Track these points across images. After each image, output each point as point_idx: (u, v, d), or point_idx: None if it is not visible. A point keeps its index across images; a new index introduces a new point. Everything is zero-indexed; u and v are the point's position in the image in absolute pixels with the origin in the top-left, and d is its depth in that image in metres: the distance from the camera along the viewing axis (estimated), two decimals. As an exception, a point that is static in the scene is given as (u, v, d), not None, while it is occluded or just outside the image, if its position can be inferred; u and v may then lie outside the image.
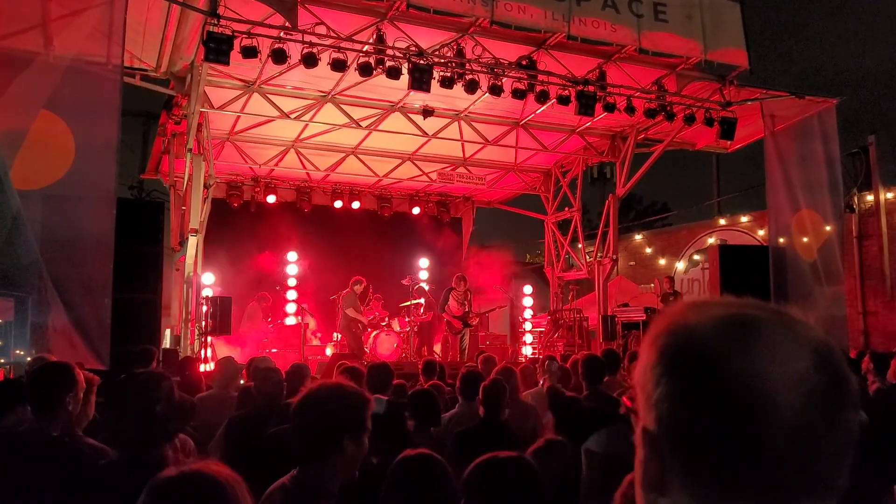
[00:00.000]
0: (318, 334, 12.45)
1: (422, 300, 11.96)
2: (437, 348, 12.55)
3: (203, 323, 9.31)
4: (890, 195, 12.26)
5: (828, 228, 10.42)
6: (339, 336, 11.84)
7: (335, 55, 8.25)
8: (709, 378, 0.68)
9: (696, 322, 0.72)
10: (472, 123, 11.62)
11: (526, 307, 13.69)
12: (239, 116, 10.94)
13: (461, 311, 11.34)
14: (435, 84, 8.51)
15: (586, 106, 9.14)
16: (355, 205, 14.04)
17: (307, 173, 13.23)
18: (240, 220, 12.93)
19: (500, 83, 8.97)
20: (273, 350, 11.25)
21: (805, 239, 10.54)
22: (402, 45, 8.40)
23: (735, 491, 0.67)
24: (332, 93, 10.29)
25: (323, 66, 8.24)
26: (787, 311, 0.73)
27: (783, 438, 0.65)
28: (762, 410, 0.66)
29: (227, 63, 7.60)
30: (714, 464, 0.67)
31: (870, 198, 12.36)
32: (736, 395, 0.66)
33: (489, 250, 14.58)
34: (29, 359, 5.50)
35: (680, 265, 16.04)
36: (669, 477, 0.70)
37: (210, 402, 4.81)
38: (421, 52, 8.42)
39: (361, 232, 13.61)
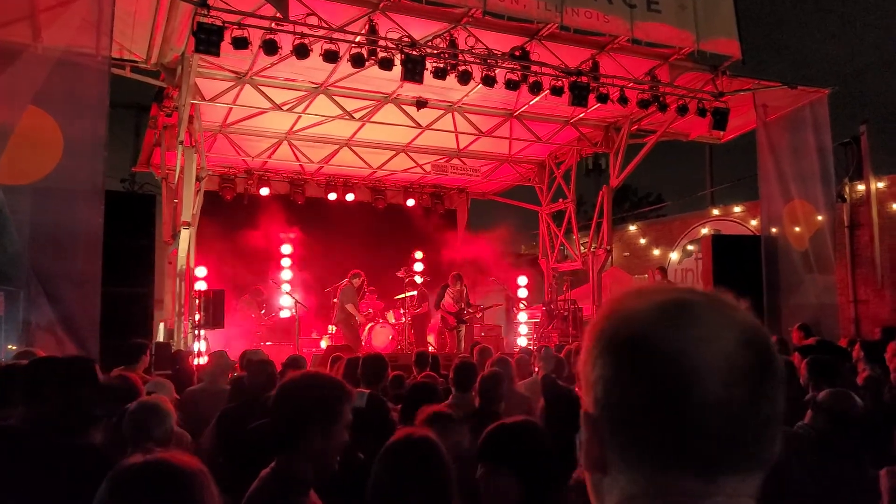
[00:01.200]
0: (315, 334, 12.45)
1: (415, 293, 11.96)
2: (431, 339, 12.57)
3: (196, 316, 9.29)
4: (881, 185, 12.32)
5: (819, 218, 10.47)
6: (335, 329, 11.84)
7: (327, 46, 8.21)
8: (638, 357, 0.71)
9: (632, 307, 0.76)
10: (466, 115, 11.60)
11: (521, 298, 13.71)
12: (231, 108, 10.87)
13: (456, 309, 11.36)
14: (428, 75, 8.49)
15: (579, 97, 9.14)
16: (349, 197, 14.01)
17: (300, 165, 13.18)
18: (233, 213, 12.88)
19: (493, 74, 8.95)
20: (268, 343, 11.24)
21: (797, 228, 10.59)
22: (395, 35, 8.36)
23: (665, 465, 0.70)
24: (325, 84, 10.24)
25: (315, 58, 8.19)
26: (721, 296, 0.77)
27: (708, 412, 0.68)
28: (685, 387, 0.69)
29: (217, 54, 7.55)
30: (644, 440, 0.71)
31: (861, 187, 12.41)
32: (663, 372, 0.70)
33: (484, 242, 14.57)
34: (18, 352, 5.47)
35: (674, 255, 16.09)
36: (609, 456, 0.74)
37: (201, 396, 4.81)
38: (413, 43, 8.38)
39: (356, 224, 13.59)
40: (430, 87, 9.26)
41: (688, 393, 0.69)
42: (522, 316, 13.47)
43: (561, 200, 13.88)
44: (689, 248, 15.69)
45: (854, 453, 2.70)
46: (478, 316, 12.14)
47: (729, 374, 0.69)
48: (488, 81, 8.95)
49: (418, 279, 12.61)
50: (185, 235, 9.37)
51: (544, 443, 2.13)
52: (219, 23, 7.39)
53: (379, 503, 1.89)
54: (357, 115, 11.09)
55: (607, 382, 0.73)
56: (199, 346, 9.28)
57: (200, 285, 10.11)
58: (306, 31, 8.00)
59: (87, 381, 2.24)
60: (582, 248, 13.30)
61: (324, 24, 8.05)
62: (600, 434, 0.74)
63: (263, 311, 12.10)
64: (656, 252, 16.50)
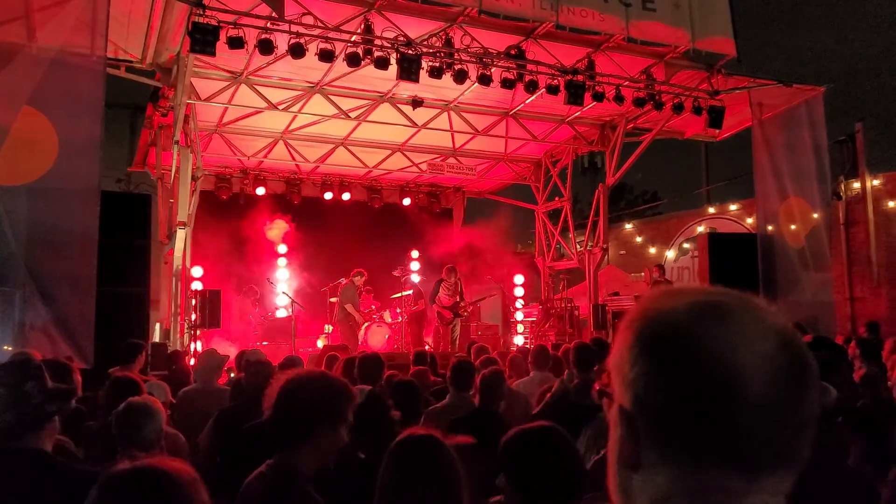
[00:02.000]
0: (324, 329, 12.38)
1: (409, 292, 11.95)
2: (429, 339, 12.56)
3: (192, 316, 9.27)
4: (876, 182, 12.36)
5: (815, 216, 10.50)
6: (331, 328, 11.82)
7: (323, 45, 8.20)
8: (682, 357, 0.72)
9: (670, 306, 0.76)
10: (462, 114, 11.59)
11: (517, 297, 13.72)
12: (226, 108, 10.85)
13: (451, 302, 11.34)
14: (423, 74, 8.48)
15: (575, 95, 9.14)
16: (345, 196, 14.00)
17: (296, 165, 13.16)
18: (229, 213, 12.85)
19: (489, 73, 8.95)
20: (264, 343, 11.22)
21: (793, 226, 10.62)
22: (390, 35, 8.36)
23: (705, 463, 0.71)
24: (321, 83, 10.23)
25: (310, 57, 8.18)
26: (754, 298, 0.78)
27: (751, 412, 0.70)
28: (731, 386, 0.70)
29: (213, 54, 7.54)
30: (686, 438, 0.71)
31: (857, 185, 12.45)
32: (707, 372, 0.70)
33: (480, 241, 14.58)
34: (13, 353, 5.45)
35: (670, 253, 16.12)
36: (644, 453, 0.74)
37: (194, 395, 4.80)
38: (409, 42, 8.38)
39: (352, 223, 13.57)
40: (425, 85, 9.25)
41: (732, 394, 0.70)
42: (519, 315, 13.48)
43: (557, 199, 13.90)
44: (686, 246, 15.72)
45: (833, 446, 2.69)
46: (469, 310, 12.11)
47: (771, 375, 0.71)
48: (484, 80, 8.95)
49: (415, 278, 12.60)
50: (181, 235, 9.35)
51: (571, 451, 2.16)
52: (214, 22, 7.38)
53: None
54: (353, 115, 11.08)
55: (649, 380, 0.73)
56: (196, 345, 9.26)
57: (196, 285, 10.09)
58: (302, 30, 7.98)
59: (31, 375, 2.15)
60: (578, 246, 13.32)
61: (319, 24, 8.04)
62: (636, 431, 0.75)
63: (258, 310, 12.09)
64: (652, 250, 16.53)
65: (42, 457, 2.10)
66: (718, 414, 0.70)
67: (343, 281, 11.41)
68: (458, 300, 11.38)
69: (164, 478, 1.36)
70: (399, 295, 11.84)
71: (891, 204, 12.22)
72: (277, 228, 12.99)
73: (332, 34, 8.20)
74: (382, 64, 8.33)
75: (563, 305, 12.78)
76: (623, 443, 0.76)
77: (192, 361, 8.16)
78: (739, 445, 0.70)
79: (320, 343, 11.77)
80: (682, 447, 0.72)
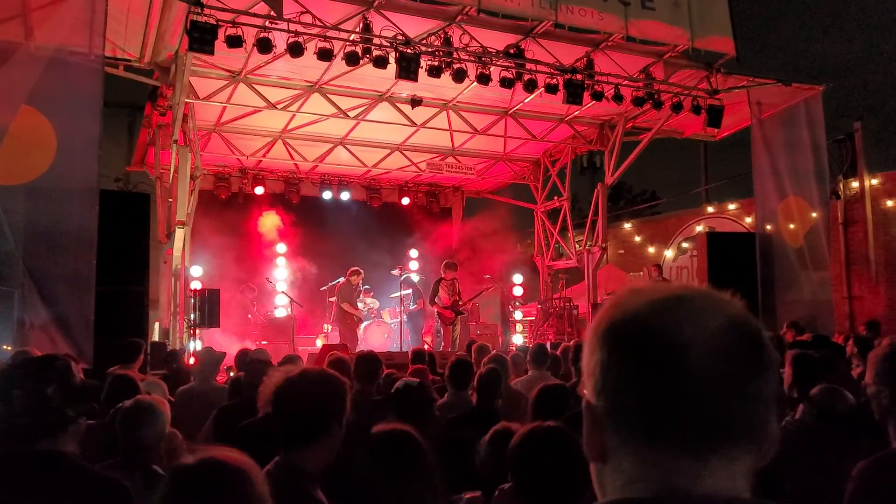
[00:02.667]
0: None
1: (409, 291, 11.95)
2: (428, 339, 12.56)
3: (191, 315, 9.27)
4: (875, 181, 12.36)
5: (814, 215, 10.51)
6: (329, 328, 11.82)
7: (321, 44, 8.19)
8: (631, 339, 0.76)
9: (630, 302, 0.80)
10: (461, 113, 11.59)
11: (516, 296, 13.73)
12: (225, 107, 10.85)
13: (451, 301, 11.33)
14: (422, 73, 8.48)
15: (574, 94, 9.14)
16: (344, 195, 14.00)
17: (295, 164, 13.16)
18: (228, 212, 12.85)
19: (487, 72, 8.95)
20: (263, 342, 11.22)
21: (792, 225, 10.63)
22: (389, 33, 8.35)
23: (660, 444, 0.73)
24: (319, 82, 10.22)
25: (309, 56, 8.18)
26: (716, 292, 0.80)
27: (695, 385, 0.72)
28: (675, 361, 0.73)
29: (211, 53, 7.53)
30: (639, 418, 0.74)
31: (855, 184, 12.46)
32: (651, 347, 0.74)
33: (479, 240, 14.58)
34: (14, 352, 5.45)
35: (669, 253, 16.12)
36: (610, 444, 0.77)
37: (192, 394, 4.80)
38: (408, 41, 8.38)
39: (351, 223, 13.57)
40: (424, 85, 9.25)
41: (675, 366, 0.72)
42: (518, 314, 13.48)
43: (556, 198, 13.89)
44: (684, 245, 15.73)
45: (843, 448, 2.70)
46: (468, 307, 12.11)
47: (717, 351, 0.73)
48: (483, 79, 8.95)
49: (414, 277, 12.60)
50: (180, 234, 9.35)
51: (577, 453, 2.16)
52: (213, 21, 7.37)
53: (361, 498, 1.88)
54: (352, 114, 11.08)
55: (603, 368, 0.77)
56: (195, 345, 9.26)
57: (195, 284, 10.08)
58: (300, 29, 7.98)
59: (54, 379, 2.11)
60: (577, 245, 13.32)
61: (318, 23, 8.04)
62: (600, 422, 0.77)
63: (256, 309, 12.09)
64: (651, 250, 16.53)
65: (60, 459, 2.06)
66: (664, 394, 0.72)
67: (341, 280, 11.41)
68: (457, 299, 11.38)
69: (229, 468, 1.44)
70: (397, 294, 11.84)
71: (889, 203, 12.23)
72: (269, 221, 12.98)
73: (330, 33, 8.20)
74: (381, 63, 8.33)
75: (562, 305, 12.78)
76: (590, 436, 0.79)
77: (192, 360, 8.17)
78: (686, 422, 0.72)
79: (319, 342, 11.77)
80: (637, 428, 0.74)
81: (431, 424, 3.30)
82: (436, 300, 11.32)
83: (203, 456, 1.46)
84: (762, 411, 0.75)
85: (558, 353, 6.04)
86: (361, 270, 11.52)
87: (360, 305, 11.56)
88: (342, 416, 2.11)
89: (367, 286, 12.28)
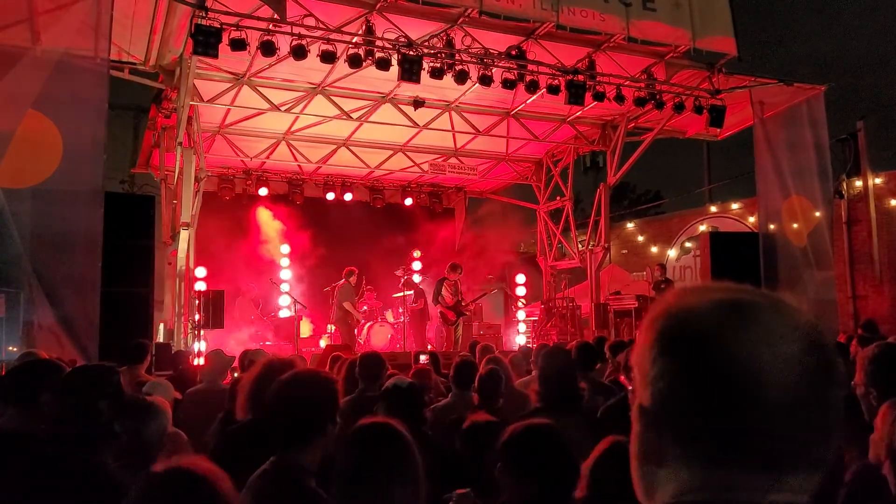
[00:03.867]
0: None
1: (411, 291, 11.99)
2: (431, 338, 12.60)
3: (196, 317, 9.32)
4: (878, 181, 12.36)
5: (817, 214, 10.51)
6: (333, 328, 11.87)
7: (324, 47, 8.24)
8: (704, 357, 0.72)
9: (693, 305, 0.76)
10: (463, 114, 11.63)
11: (519, 296, 13.75)
12: (229, 109, 10.90)
13: (454, 302, 11.37)
14: (425, 75, 8.52)
15: (576, 95, 9.17)
16: (347, 196, 14.04)
17: (299, 165, 13.21)
18: (232, 214, 12.91)
19: (489, 73, 8.98)
20: (267, 343, 11.28)
21: (795, 225, 10.63)
22: (392, 36, 8.40)
23: (728, 463, 0.72)
24: (323, 85, 10.27)
25: (312, 58, 8.22)
26: (780, 297, 0.78)
27: (773, 414, 0.70)
28: (753, 388, 0.70)
29: (215, 56, 7.58)
30: (708, 438, 0.72)
31: (859, 183, 12.45)
32: (729, 373, 0.71)
33: (482, 241, 14.61)
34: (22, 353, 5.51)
35: (672, 253, 16.13)
36: (666, 449, 0.75)
37: (200, 396, 4.83)
38: (410, 43, 8.41)
39: (354, 224, 13.61)
40: (427, 86, 9.28)
41: (754, 396, 0.70)
42: (521, 314, 13.50)
43: (559, 198, 13.91)
44: (688, 245, 15.73)
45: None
46: (471, 308, 12.15)
47: (795, 377, 0.71)
48: (485, 81, 8.98)
49: (416, 277, 12.64)
50: (185, 236, 9.40)
51: (564, 447, 2.20)
52: (217, 24, 7.42)
53: (345, 491, 1.89)
54: (355, 115, 11.12)
55: (672, 380, 0.73)
56: (199, 346, 9.32)
57: (200, 286, 10.14)
58: (304, 32, 8.03)
59: (108, 392, 2.13)
60: (580, 245, 13.33)
61: (321, 25, 8.09)
62: (658, 427, 0.75)
63: (260, 310, 12.14)
64: (654, 249, 16.54)
65: (100, 471, 2.07)
66: (740, 417, 0.70)
67: (341, 281, 11.48)
68: (459, 299, 11.42)
69: (198, 477, 1.44)
70: (401, 294, 11.88)
71: (893, 202, 12.22)
72: (273, 223, 13.03)
73: (333, 35, 8.24)
74: (384, 65, 8.37)
75: (564, 305, 12.80)
76: (643, 439, 0.77)
77: (197, 361, 8.22)
78: (761, 447, 0.70)
79: (323, 343, 11.83)
80: (705, 447, 0.72)
81: (421, 424, 3.33)
82: (439, 300, 11.36)
83: (172, 465, 1.46)
84: (834, 431, 0.73)
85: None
86: (355, 269, 11.57)
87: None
88: (335, 415, 2.15)
89: (369, 287, 12.34)
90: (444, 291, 11.33)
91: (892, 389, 2.11)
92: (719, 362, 0.71)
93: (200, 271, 10.56)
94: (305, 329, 12.55)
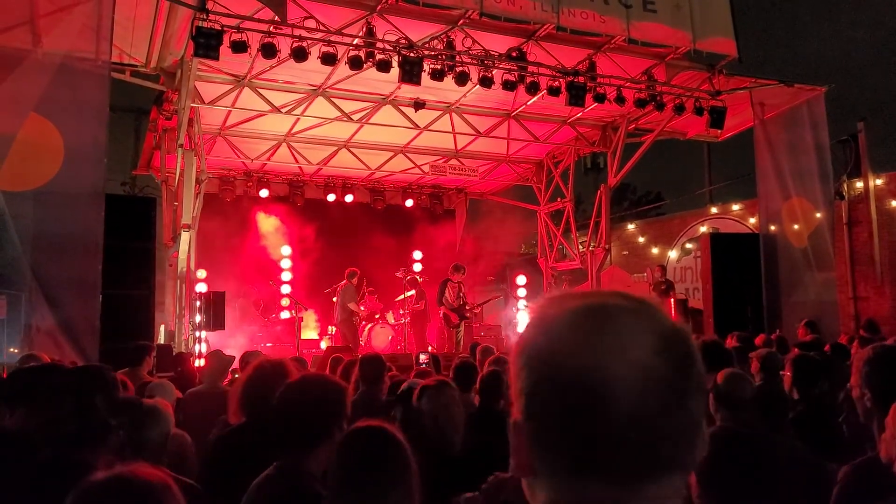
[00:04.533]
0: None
1: (413, 291, 11.99)
2: (433, 340, 12.61)
3: (197, 318, 9.33)
4: (879, 182, 12.34)
5: (818, 215, 10.51)
6: (334, 329, 11.88)
7: (325, 49, 8.25)
8: (555, 372, 0.73)
9: (550, 315, 0.77)
10: (464, 115, 11.63)
11: (519, 298, 13.75)
12: (230, 111, 10.91)
13: (458, 304, 11.37)
14: (425, 77, 8.52)
15: (576, 97, 9.17)
16: (348, 198, 14.05)
17: (299, 167, 13.22)
18: (233, 215, 12.92)
19: (490, 75, 8.99)
20: (267, 344, 11.28)
21: (796, 226, 10.63)
22: (392, 38, 8.41)
23: (584, 473, 0.72)
24: (323, 86, 10.28)
25: (313, 60, 8.23)
26: (645, 301, 0.77)
27: (620, 424, 0.69)
28: (600, 399, 0.70)
29: (216, 58, 7.59)
30: (563, 450, 0.72)
31: (859, 184, 12.44)
32: (577, 386, 0.71)
33: (482, 242, 14.62)
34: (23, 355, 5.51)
35: (672, 254, 16.12)
36: (536, 462, 0.75)
37: (201, 397, 4.84)
38: (411, 45, 8.42)
39: (355, 225, 13.64)
40: (427, 88, 9.29)
41: (601, 405, 0.69)
42: (522, 315, 13.50)
43: (559, 200, 13.92)
44: (688, 246, 15.73)
45: (757, 435, 2.70)
46: (476, 312, 12.16)
47: (642, 385, 0.70)
48: (485, 82, 8.99)
49: (417, 279, 12.64)
50: (186, 238, 9.41)
51: None
52: (217, 27, 7.43)
53: (339, 494, 1.88)
54: (355, 117, 11.13)
55: (529, 394, 0.75)
56: (200, 347, 9.32)
57: (201, 287, 10.15)
58: (304, 34, 8.04)
59: (100, 389, 2.14)
60: (580, 247, 13.34)
61: (321, 27, 8.10)
62: (527, 441, 0.75)
63: (261, 311, 12.15)
64: (655, 250, 16.53)
65: (91, 469, 2.10)
66: (589, 428, 0.70)
67: (343, 283, 11.50)
68: (462, 302, 11.42)
69: (139, 485, 1.39)
70: (402, 296, 11.88)
71: (894, 203, 12.21)
72: (274, 224, 13.06)
73: (334, 37, 8.25)
74: (384, 67, 8.38)
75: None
76: (516, 452, 0.77)
77: (198, 363, 8.23)
78: (611, 457, 0.70)
79: (324, 344, 11.83)
80: (561, 459, 0.73)
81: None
82: (442, 301, 11.36)
83: (114, 472, 1.41)
84: (692, 435, 0.72)
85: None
86: (357, 270, 11.61)
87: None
88: (342, 420, 2.14)
89: (370, 288, 12.35)
90: (447, 293, 11.33)
91: (887, 392, 2.12)
92: (568, 374, 0.71)
93: (201, 273, 10.57)
94: (309, 330, 12.56)
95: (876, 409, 2.15)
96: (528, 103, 10.98)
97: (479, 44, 8.90)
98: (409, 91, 10.03)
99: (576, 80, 9.17)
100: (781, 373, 3.90)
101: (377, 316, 12.03)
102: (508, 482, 2.13)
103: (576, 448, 0.71)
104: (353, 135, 12.20)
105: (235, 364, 6.36)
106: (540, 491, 0.76)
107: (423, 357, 6.84)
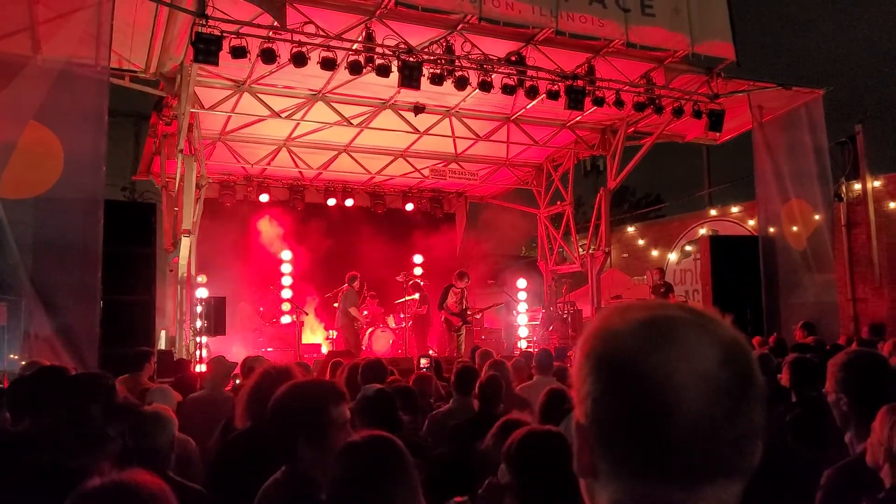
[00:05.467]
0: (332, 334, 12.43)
1: (416, 295, 12.00)
2: (434, 344, 12.61)
3: (197, 323, 9.33)
4: (877, 183, 12.37)
5: (817, 217, 10.52)
6: (336, 333, 11.89)
7: (324, 54, 8.27)
8: (624, 377, 0.77)
9: (616, 326, 0.80)
10: (463, 119, 11.66)
11: (520, 301, 13.76)
12: (230, 116, 10.93)
13: (459, 309, 11.39)
14: (425, 81, 8.54)
15: (576, 100, 9.19)
16: (349, 202, 14.07)
17: (300, 172, 13.24)
18: (233, 220, 12.93)
19: (489, 79, 9.01)
20: (269, 349, 11.28)
21: (795, 228, 10.65)
22: (392, 42, 8.43)
23: (648, 477, 0.76)
24: (323, 91, 10.30)
25: (313, 65, 8.25)
26: (706, 313, 0.81)
27: (687, 430, 0.73)
28: (668, 405, 0.74)
29: (216, 63, 7.60)
30: (629, 454, 0.76)
31: (858, 186, 12.46)
32: (647, 391, 0.75)
33: (483, 246, 14.63)
34: (23, 363, 5.53)
35: (672, 256, 16.14)
36: (599, 464, 0.79)
37: (202, 403, 4.84)
38: (410, 50, 8.45)
39: (355, 229, 13.65)
40: (427, 92, 9.32)
41: (668, 412, 0.73)
42: (522, 318, 13.51)
43: (559, 203, 13.93)
44: (688, 248, 15.74)
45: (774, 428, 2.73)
46: (477, 317, 12.18)
47: (708, 394, 0.74)
48: (485, 86, 9.01)
49: (419, 282, 12.66)
50: (186, 243, 9.42)
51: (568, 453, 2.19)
52: (217, 32, 7.45)
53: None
54: (355, 122, 11.15)
55: (596, 399, 0.78)
56: (201, 352, 9.32)
57: (201, 292, 10.16)
58: (304, 39, 8.06)
59: (98, 395, 2.15)
60: (580, 250, 13.35)
61: (321, 32, 8.12)
62: (590, 443, 0.79)
63: (261, 316, 12.15)
64: (655, 253, 16.55)
65: (87, 476, 2.10)
66: (656, 434, 0.74)
67: (344, 287, 11.50)
68: (465, 307, 11.44)
69: (135, 492, 1.39)
70: (403, 300, 11.89)
71: (892, 205, 12.24)
72: (274, 229, 13.07)
73: (333, 42, 8.27)
74: (384, 71, 8.40)
75: (565, 309, 12.81)
76: (580, 454, 0.81)
77: (199, 368, 8.23)
78: (676, 461, 0.74)
79: (325, 349, 11.83)
80: (627, 462, 0.76)
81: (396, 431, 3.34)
82: (444, 306, 11.37)
83: (110, 478, 1.41)
84: (752, 444, 0.77)
85: (565, 363, 6.06)
86: (357, 274, 11.63)
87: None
88: (316, 432, 2.10)
89: (371, 292, 12.36)
90: (449, 298, 11.35)
91: (862, 396, 2.14)
92: (638, 381, 0.75)
93: (202, 278, 10.58)
94: (311, 335, 12.56)
95: (852, 413, 2.17)
96: (528, 107, 11.00)
97: (478, 48, 8.92)
98: (408, 95, 10.06)
99: (575, 83, 9.19)
100: (779, 376, 3.91)
101: (378, 323, 12.02)
102: (502, 488, 2.14)
103: (642, 451, 0.75)
104: (353, 139, 12.21)
105: (237, 370, 6.38)
106: (602, 492, 0.79)
107: (423, 361, 6.86)
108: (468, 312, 11.51)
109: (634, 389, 0.75)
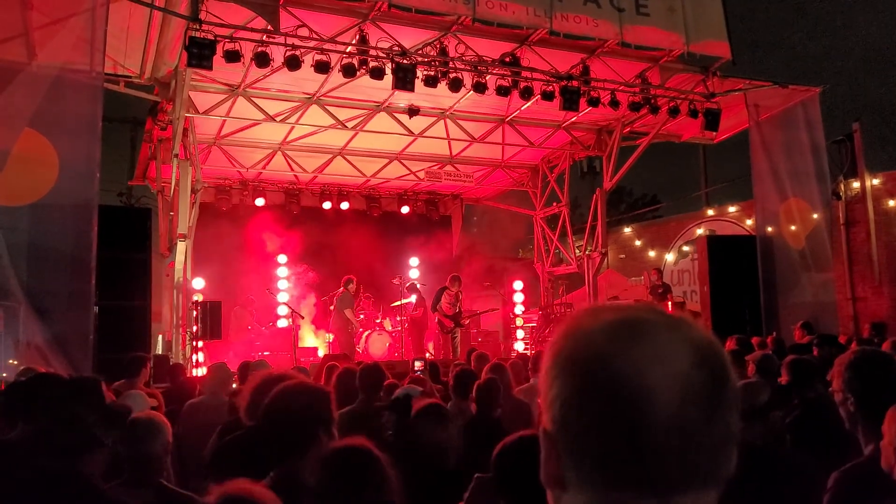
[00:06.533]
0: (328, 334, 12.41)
1: (412, 297, 11.98)
2: (431, 346, 12.57)
3: (193, 328, 9.30)
4: (876, 181, 12.37)
5: (815, 216, 10.51)
6: (332, 337, 11.86)
7: (318, 57, 8.25)
8: (593, 379, 0.72)
9: (587, 326, 0.76)
10: (458, 121, 11.64)
11: (517, 303, 13.74)
12: (225, 120, 10.92)
13: (453, 311, 11.37)
14: (419, 83, 8.53)
15: (571, 101, 9.18)
16: (344, 205, 14.05)
17: (295, 175, 13.22)
18: (229, 224, 12.89)
19: (483, 80, 9.00)
20: (265, 353, 11.23)
21: (793, 227, 10.63)
22: (385, 45, 8.41)
23: (620, 484, 0.71)
24: (317, 94, 10.29)
25: (307, 69, 8.24)
26: (679, 315, 0.77)
27: (660, 433, 0.69)
28: (640, 408, 0.69)
29: (210, 68, 7.59)
30: (599, 459, 0.71)
31: (856, 184, 12.46)
32: (616, 394, 0.70)
33: (478, 248, 14.61)
34: (20, 368, 5.48)
35: (669, 257, 16.12)
36: (567, 474, 0.74)
37: (202, 408, 4.81)
38: (404, 52, 8.43)
39: (351, 232, 13.61)
40: (421, 94, 9.31)
41: (641, 414, 0.69)
42: (519, 321, 13.50)
43: (555, 204, 13.92)
44: (685, 249, 15.73)
45: (766, 446, 2.69)
46: (466, 322, 12.17)
47: (682, 396, 0.69)
48: (479, 88, 8.99)
49: (416, 284, 12.63)
50: (182, 248, 9.39)
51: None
52: (211, 37, 7.43)
53: None
54: (350, 125, 11.14)
55: (564, 402, 0.73)
56: (197, 357, 9.29)
57: (197, 297, 10.13)
58: (297, 42, 8.05)
59: (88, 399, 2.15)
60: (577, 251, 13.33)
61: (314, 36, 8.10)
62: (558, 451, 0.74)
63: (257, 320, 12.11)
64: (652, 254, 16.54)
65: (83, 481, 2.07)
66: (626, 436, 0.69)
67: (340, 290, 11.48)
68: (458, 310, 11.43)
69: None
70: (399, 303, 11.87)
71: (891, 203, 12.23)
72: (270, 233, 13.06)
73: (327, 46, 8.26)
74: (378, 74, 8.38)
75: (562, 311, 12.79)
76: (546, 463, 0.76)
77: (195, 373, 8.20)
78: (649, 468, 0.69)
79: (321, 352, 11.80)
80: (597, 470, 0.71)
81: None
82: (437, 307, 11.36)
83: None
84: (729, 451, 0.73)
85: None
86: (353, 277, 11.61)
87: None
88: (329, 425, 2.13)
89: (367, 295, 12.33)
90: (443, 301, 11.34)
91: (870, 396, 2.11)
92: (608, 384, 0.70)
93: (198, 282, 10.55)
94: (306, 338, 12.53)
95: (860, 413, 2.14)
96: (523, 108, 10.99)
97: (472, 49, 8.92)
98: (403, 98, 10.05)
99: (570, 84, 9.18)
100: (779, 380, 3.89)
101: (377, 321, 11.99)
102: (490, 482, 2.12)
103: (613, 458, 0.70)
104: (347, 142, 12.20)
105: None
106: (572, 503, 0.74)
107: (418, 364, 6.82)
108: (462, 315, 11.50)
109: (605, 391, 0.70)
